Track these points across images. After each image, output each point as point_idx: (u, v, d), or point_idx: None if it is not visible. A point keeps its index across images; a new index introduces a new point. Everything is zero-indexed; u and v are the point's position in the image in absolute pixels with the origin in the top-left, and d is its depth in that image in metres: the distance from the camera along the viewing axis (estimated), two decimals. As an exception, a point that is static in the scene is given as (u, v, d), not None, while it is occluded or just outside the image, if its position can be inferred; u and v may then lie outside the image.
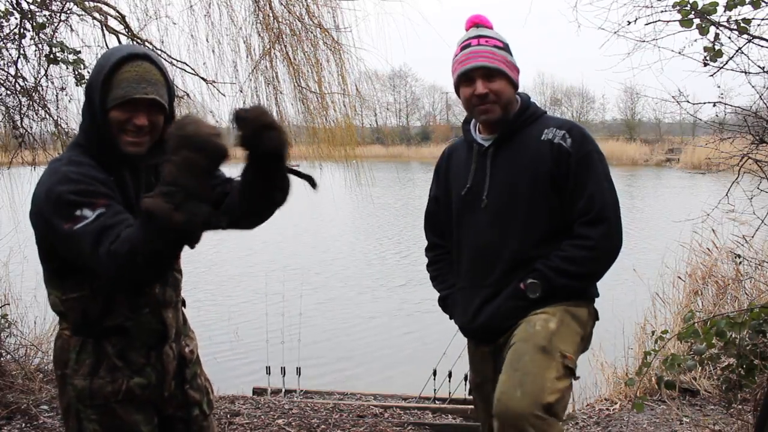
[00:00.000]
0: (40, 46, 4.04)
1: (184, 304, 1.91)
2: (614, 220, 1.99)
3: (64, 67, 3.92)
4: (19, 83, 4.19)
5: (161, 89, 1.62)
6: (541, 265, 1.99)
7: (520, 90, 2.15)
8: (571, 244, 1.98)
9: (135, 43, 4.70)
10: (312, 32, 4.81)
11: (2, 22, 3.89)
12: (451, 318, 2.25)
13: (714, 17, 2.78)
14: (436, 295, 2.32)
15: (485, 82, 2.02)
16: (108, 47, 4.58)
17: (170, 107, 1.68)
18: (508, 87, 2.05)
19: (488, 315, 2.05)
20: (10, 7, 3.84)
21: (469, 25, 2.13)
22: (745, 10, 2.80)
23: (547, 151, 2.00)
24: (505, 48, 2.07)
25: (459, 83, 2.10)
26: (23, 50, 4.03)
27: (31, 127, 4.51)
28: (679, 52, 3.03)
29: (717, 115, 3.30)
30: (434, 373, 5.10)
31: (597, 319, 2.13)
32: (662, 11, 2.98)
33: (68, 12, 4.16)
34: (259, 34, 4.77)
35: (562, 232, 2.01)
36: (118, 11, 4.65)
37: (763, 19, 2.87)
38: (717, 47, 2.84)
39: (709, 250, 5.75)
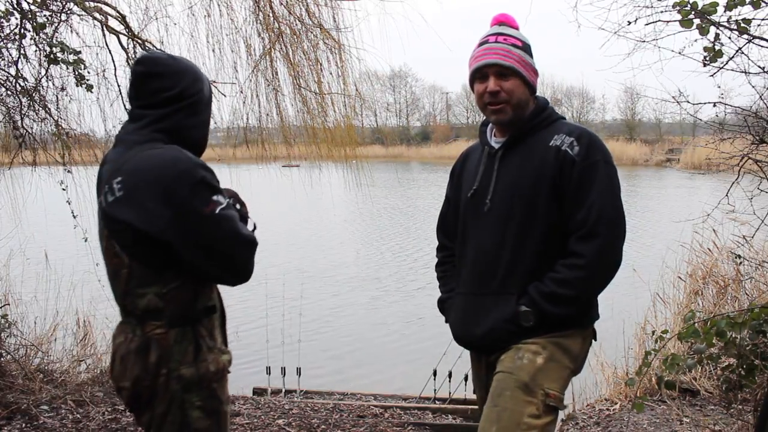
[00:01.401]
0: (40, 46, 4.04)
1: None
2: (611, 235, 1.90)
3: (64, 67, 3.92)
4: (19, 84, 4.19)
5: None
6: (533, 290, 1.94)
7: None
8: (564, 264, 1.92)
9: (135, 43, 4.71)
10: (312, 32, 4.81)
11: (2, 22, 3.89)
12: (446, 322, 2.24)
13: (714, 17, 2.78)
14: (437, 295, 2.31)
15: (498, 80, 1.99)
16: (108, 47, 4.59)
17: None
18: (521, 87, 2.00)
19: (482, 333, 2.01)
20: (11, 7, 3.84)
21: (493, 23, 2.10)
22: (745, 10, 2.80)
23: (552, 157, 1.95)
24: (524, 48, 2.03)
25: (473, 79, 2.06)
26: (24, 50, 4.03)
27: (32, 128, 4.51)
28: (679, 52, 3.03)
29: (717, 115, 3.29)
30: (434, 373, 5.10)
31: (594, 339, 2.10)
32: (662, 11, 2.97)
33: (68, 12, 4.16)
34: (259, 35, 4.77)
35: (562, 243, 1.96)
36: (118, 11, 4.65)
37: (763, 19, 2.87)
38: (717, 47, 2.83)
39: (709, 250, 5.75)
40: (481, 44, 2.05)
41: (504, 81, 1.99)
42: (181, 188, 1.61)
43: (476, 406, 2.30)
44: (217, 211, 1.64)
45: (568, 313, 1.95)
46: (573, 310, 1.96)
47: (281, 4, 4.74)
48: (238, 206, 1.86)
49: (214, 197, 1.65)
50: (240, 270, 1.74)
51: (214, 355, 1.77)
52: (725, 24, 2.81)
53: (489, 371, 2.05)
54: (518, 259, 1.98)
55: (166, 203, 1.61)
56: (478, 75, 2.04)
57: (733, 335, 2.78)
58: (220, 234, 1.65)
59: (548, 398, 1.88)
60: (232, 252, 1.68)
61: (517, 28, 2.10)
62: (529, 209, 1.96)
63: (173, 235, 1.63)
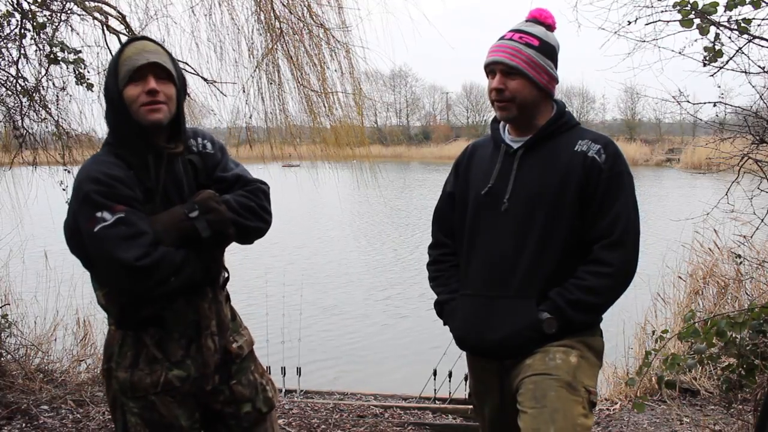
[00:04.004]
0: (40, 46, 4.04)
1: (228, 299, 1.94)
2: (634, 245, 1.93)
3: (64, 66, 3.92)
4: (19, 84, 4.19)
5: (162, 56, 1.71)
6: (557, 296, 1.91)
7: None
8: (589, 271, 1.90)
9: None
10: (314, 32, 4.81)
11: (3, 23, 3.89)
12: (445, 324, 2.15)
13: (714, 17, 2.78)
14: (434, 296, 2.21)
15: (503, 78, 1.96)
16: (109, 47, 4.60)
17: (181, 83, 1.77)
18: (527, 87, 1.97)
19: (500, 339, 1.96)
20: (11, 8, 3.84)
21: (527, 18, 2.07)
22: (746, 10, 2.80)
23: (579, 163, 1.93)
24: (540, 48, 1.98)
25: (486, 74, 2.04)
26: (24, 50, 4.03)
27: (32, 128, 4.51)
28: (679, 52, 3.03)
29: (717, 115, 3.31)
30: (434, 373, 5.10)
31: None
32: (662, 11, 2.98)
33: (69, 12, 4.16)
34: (261, 34, 4.77)
35: (581, 248, 1.95)
36: (118, 11, 4.64)
37: (763, 19, 2.87)
38: (717, 47, 2.84)
39: (710, 250, 5.75)
40: (498, 39, 2.03)
41: (509, 80, 1.96)
42: (74, 202, 1.67)
43: (476, 406, 2.28)
44: (95, 229, 1.58)
45: (591, 320, 1.97)
46: (596, 317, 1.99)
47: (282, 3, 4.74)
48: (194, 214, 1.67)
49: (98, 213, 1.59)
50: (123, 289, 1.67)
51: (156, 367, 1.71)
52: (725, 24, 2.81)
53: (503, 375, 2.00)
54: (539, 263, 1.94)
55: (72, 216, 1.68)
56: (487, 71, 2.02)
57: (733, 335, 2.78)
58: (96, 252, 1.62)
59: (590, 395, 1.90)
60: (107, 272, 1.66)
61: (551, 25, 2.06)
62: (553, 212, 1.94)
63: (72, 246, 1.71)
